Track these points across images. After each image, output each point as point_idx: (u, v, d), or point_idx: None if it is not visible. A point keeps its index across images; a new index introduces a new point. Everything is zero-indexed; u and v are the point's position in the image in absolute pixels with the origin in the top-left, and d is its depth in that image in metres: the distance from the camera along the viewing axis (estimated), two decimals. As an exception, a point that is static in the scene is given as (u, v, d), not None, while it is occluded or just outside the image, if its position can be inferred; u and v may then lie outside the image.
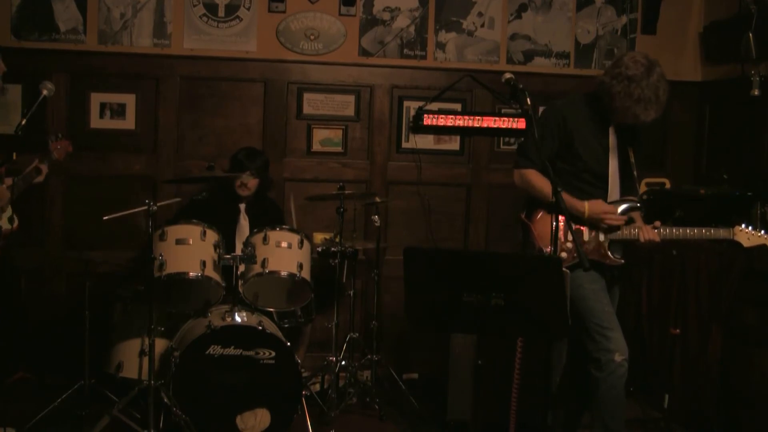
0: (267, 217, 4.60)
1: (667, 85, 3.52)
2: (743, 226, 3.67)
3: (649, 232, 3.64)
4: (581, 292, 3.57)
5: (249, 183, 4.57)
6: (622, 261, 3.70)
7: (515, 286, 2.78)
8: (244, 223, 4.62)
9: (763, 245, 3.66)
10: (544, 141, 3.56)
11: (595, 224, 3.65)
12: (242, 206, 4.64)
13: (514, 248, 3.99)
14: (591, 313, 3.57)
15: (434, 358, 4.63)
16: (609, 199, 3.68)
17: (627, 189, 3.74)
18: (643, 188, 4.98)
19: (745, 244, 3.67)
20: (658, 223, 3.68)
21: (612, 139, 3.68)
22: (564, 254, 3.58)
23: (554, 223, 3.13)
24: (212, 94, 5.13)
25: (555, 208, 3.14)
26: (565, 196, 3.30)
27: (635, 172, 3.69)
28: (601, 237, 3.67)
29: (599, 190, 3.67)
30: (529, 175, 3.68)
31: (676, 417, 4.44)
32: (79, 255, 4.52)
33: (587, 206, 3.61)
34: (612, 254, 3.67)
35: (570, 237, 3.59)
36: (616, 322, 3.61)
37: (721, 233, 3.68)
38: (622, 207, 3.68)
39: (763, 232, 3.66)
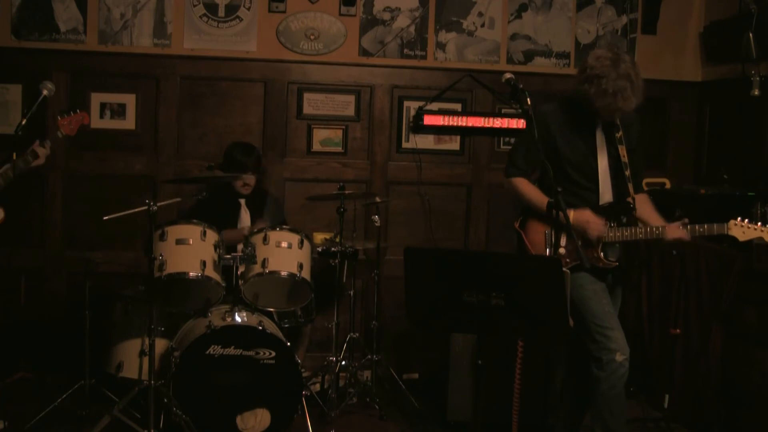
0: (267, 208, 4.61)
1: (638, 69, 3.48)
2: (738, 219, 3.57)
3: (675, 231, 3.62)
4: (582, 292, 3.56)
5: (250, 181, 4.59)
6: (616, 263, 3.67)
7: (515, 286, 2.77)
8: (245, 216, 4.63)
9: (760, 238, 3.60)
10: (531, 148, 3.55)
11: (580, 233, 3.60)
12: (242, 201, 4.65)
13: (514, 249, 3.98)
14: (592, 313, 3.57)
15: (434, 358, 4.63)
16: (601, 199, 3.66)
17: (619, 188, 3.70)
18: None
19: (741, 238, 3.58)
20: (686, 220, 3.63)
21: (600, 139, 3.66)
22: None
23: (551, 226, 3.11)
24: (212, 93, 5.13)
25: (554, 207, 3.13)
26: None
27: (627, 172, 3.66)
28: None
29: (589, 191, 3.66)
30: (516, 183, 3.69)
31: (676, 417, 4.44)
32: (80, 255, 4.52)
33: (572, 215, 3.54)
34: (605, 257, 3.65)
35: (563, 243, 3.56)
36: (617, 322, 3.61)
37: (715, 228, 3.61)
38: (609, 212, 3.64)
39: (759, 224, 3.57)
